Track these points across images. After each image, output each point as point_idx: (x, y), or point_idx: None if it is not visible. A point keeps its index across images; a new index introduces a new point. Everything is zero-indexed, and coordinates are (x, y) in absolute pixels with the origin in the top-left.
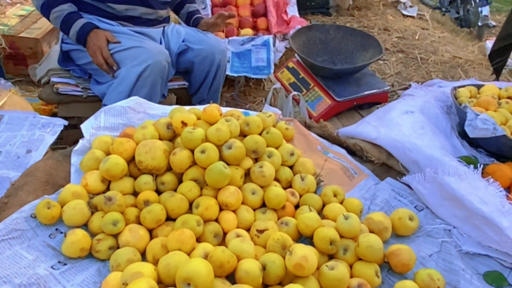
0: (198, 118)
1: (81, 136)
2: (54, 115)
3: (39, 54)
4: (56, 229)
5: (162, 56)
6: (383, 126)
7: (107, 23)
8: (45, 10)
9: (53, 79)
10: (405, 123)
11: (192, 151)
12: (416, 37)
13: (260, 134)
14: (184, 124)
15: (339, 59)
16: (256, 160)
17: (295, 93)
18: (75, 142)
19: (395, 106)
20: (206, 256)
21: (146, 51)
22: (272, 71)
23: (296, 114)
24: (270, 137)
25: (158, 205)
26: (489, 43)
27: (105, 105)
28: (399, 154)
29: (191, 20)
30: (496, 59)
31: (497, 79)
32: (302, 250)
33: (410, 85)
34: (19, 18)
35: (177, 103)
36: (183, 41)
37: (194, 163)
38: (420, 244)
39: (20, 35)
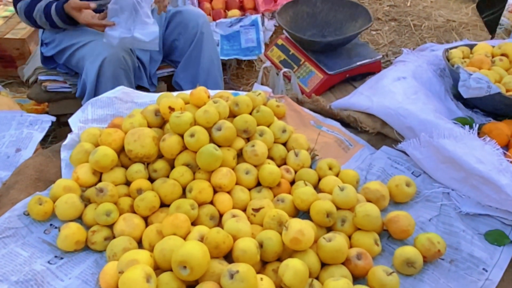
0: (187, 103)
1: None
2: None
3: (27, 54)
4: (51, 225)
5: (117, 47)
6: (376, 95)
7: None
8: (30, 18)
9: (41, 77)
10: (398, 90)
11: (182, 135)
12: (408, 4)
13: (250, 113)
14: (172, 109)
15: (329, 32)
16: (248, 140)
17: (285, 69)
18: None
19: (387, 73)
20: (201, 239)
21: (100, 43)
22: (262, 51)
23: (288, 91)
24: (260, 116)
25: (151, 192)
26: None
27: None
28: (393, 121)
29: None
30: (486, 11)
31: (492, 36)
32: (298, 225)
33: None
34: (3, 20)
35: (168, 91)
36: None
37: (185, 148)
38: (419, 209)
39: (6, 36)
